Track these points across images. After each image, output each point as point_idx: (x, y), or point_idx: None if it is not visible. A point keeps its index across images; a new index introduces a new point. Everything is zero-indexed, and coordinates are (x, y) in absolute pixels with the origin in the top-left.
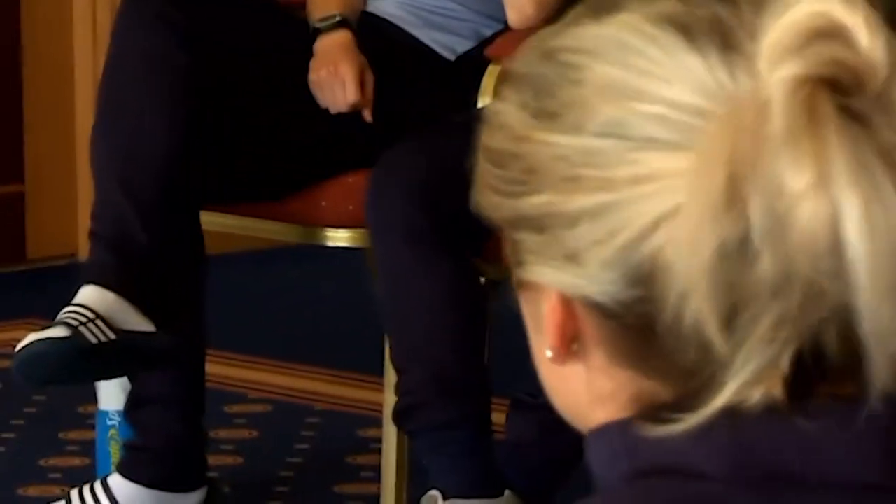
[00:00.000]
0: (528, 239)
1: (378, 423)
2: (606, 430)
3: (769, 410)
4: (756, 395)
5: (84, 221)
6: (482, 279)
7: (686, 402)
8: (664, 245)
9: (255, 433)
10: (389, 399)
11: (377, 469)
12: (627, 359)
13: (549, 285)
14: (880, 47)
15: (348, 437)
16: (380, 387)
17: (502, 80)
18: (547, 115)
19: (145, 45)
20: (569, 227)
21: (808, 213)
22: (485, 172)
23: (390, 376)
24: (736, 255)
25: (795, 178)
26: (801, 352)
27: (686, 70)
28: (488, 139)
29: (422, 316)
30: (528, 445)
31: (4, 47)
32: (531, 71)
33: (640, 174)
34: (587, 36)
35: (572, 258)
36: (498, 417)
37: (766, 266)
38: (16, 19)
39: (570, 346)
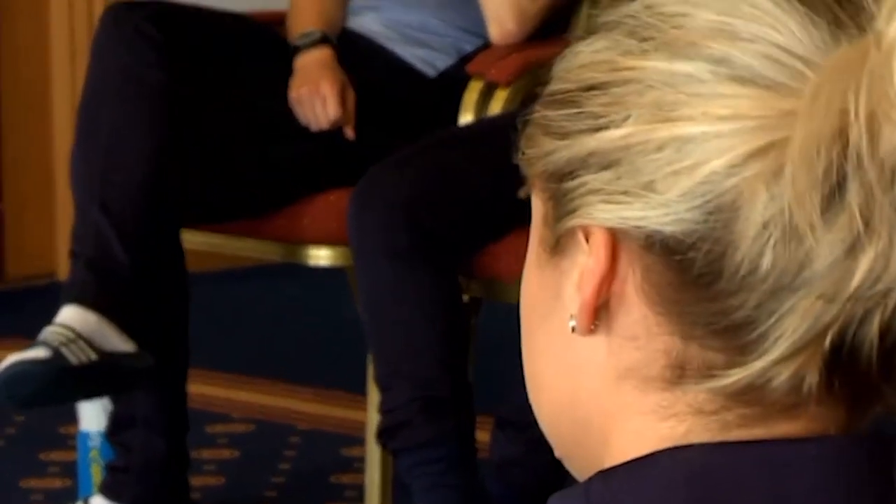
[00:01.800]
0: (591, 179)
1: (361, 442)
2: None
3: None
4: (786, 374)
5: (63, 240)
6: (465, 296)
7: (725, 361)
8: (754, 178)
9: (237, 453)
10: (373, 418)
11: (360, 488)
12: (675, 307)
13: (609, 222)
14: None
15: (331, 456)
16: (363, 406)
17: (488, 91)
18: (646, 47)
19: (123, 63)
20: (651, 156)
21: None
22: (542, 120)
23: (373, 395)
24: (825, 200)
25: None
26: (844, 333)
27: (797, 24)
28: (557, 83)
29: (404, 334)
30: (512, 464)
31: None
32: (623, 18)
33: (742, 109)
34: None
35: (648, 187)
36: (482, 436)
37: (849, 218)
38: None
39: (599, 309)
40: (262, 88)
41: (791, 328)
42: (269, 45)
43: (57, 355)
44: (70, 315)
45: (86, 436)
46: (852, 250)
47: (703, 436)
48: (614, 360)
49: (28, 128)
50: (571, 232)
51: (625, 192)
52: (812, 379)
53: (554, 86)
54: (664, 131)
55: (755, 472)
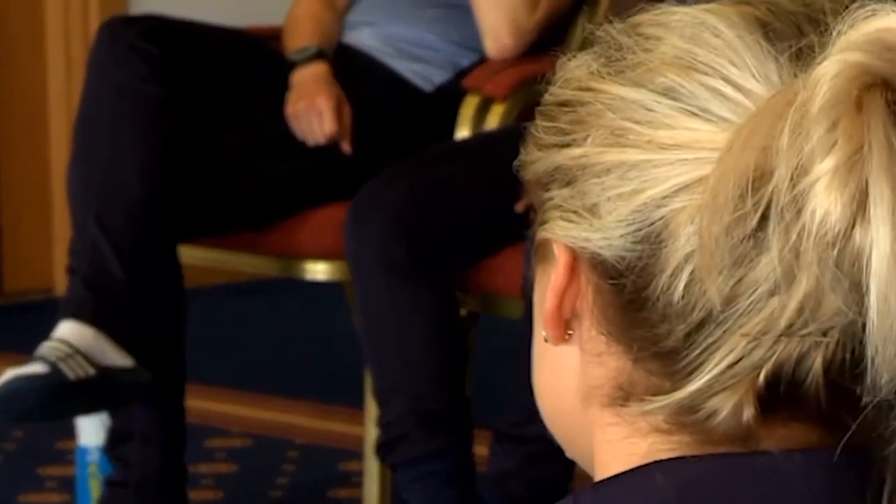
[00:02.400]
0: (556, 194)
1: (359, 457)
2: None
3: (726, 444)
4: (726, 408)
5: (60, 255)
6: (462, 311)
7: (661, 387)
8: (681, 210)
9: (235, 467)
10: (370, 432)
11: (358, 502)
12: (616, 329)
13: (563, 239)
14: None
15: (329, 470)
16: (361, 420)
17: (485, 105)
18: (612, 71)
19: (119, 79)
20: (597, 179)
21: (828, 195)
22: (535, 129)
23: (371, 409)
24: (747, 237)
25: (825, 155)
26: (780, 370)
27: (754, 58)
28: (548, 95)
29: (402, 349)
30: (510, 478)
31: None
32: (608, 37)
33: (681, 140)
34: (670, 14)
35: (592, 210)
36: (481, 449)
37: (771, 257)
38: None
39: (567, 321)
40: (258, 103)
41: (715, 361)
42: (265, 60)
43: (55, 370)
44: (67, 330)
45: (84, 451)
46: (777, 290)
47: (666, 454)
48: (583, 374)
49: (25, 143)
50: (548, 242)
51: (575, 212)
52: (749, 413)
53: (547, 95)
54: (613, 155)
55: (747, 483)
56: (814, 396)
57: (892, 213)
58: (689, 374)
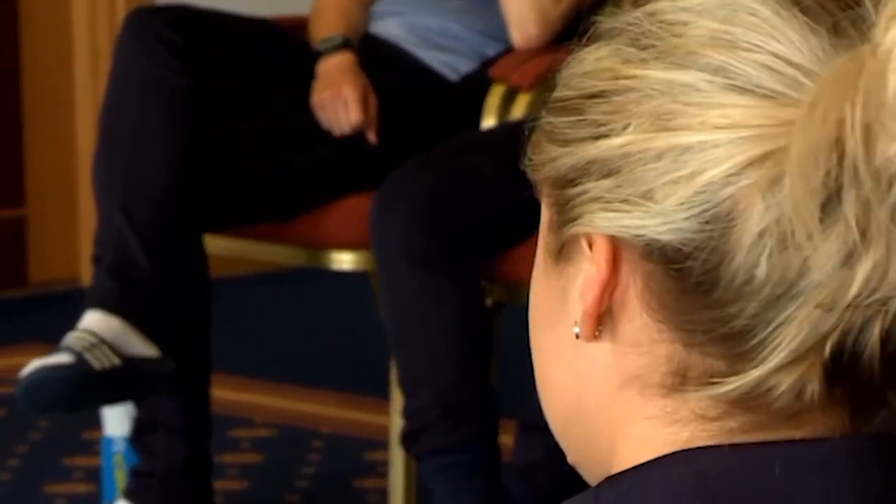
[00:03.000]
0: (592, 187)
1: (384, 447)
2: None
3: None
4: (786, 383)
5: (86, 245)
6: (488, 300)
7: (725, 369)
8: (750, 186)
9: (260, 457)
10: (396, 422)
11: (384, 493)
12: (674, 315)
13: (609, 230)
14: None
15: (354, 460)
16: (386, 410)
17: (511, 95)
18: (647, 57)
19: (145, 69)
20: (649, 165)
21: None
22: (547, 127)
23: (397, 399)
24: (821, 209)
25: None
26: (844, 340)
27: (797, 34)
28: (561, 90)
29: (427, 339)
30: (536, 468)
31: (5, 71)
32: (626, 25)
33: (737, 118)
34: (693, 0)
35: (646, 196)
36: (506, 439)
37: (845, 227)
38: (16, 44)
39: (605, 315)
40: (284, 93)
41: (789, 337)
42: (290, 50)
43: (80, 360)
44: (93, 320)
45: (110, 441)
46: (849, 260)
47: (707, 441)
48: (618, 367)
49: (51, 133)
50: (575, 239)
51: (624, 201)
52: (813, 387)
53: (558, 92)
54: (662, 140)
55: (765, 475)
56: (867, 369)
57: None
58: (760, 352)
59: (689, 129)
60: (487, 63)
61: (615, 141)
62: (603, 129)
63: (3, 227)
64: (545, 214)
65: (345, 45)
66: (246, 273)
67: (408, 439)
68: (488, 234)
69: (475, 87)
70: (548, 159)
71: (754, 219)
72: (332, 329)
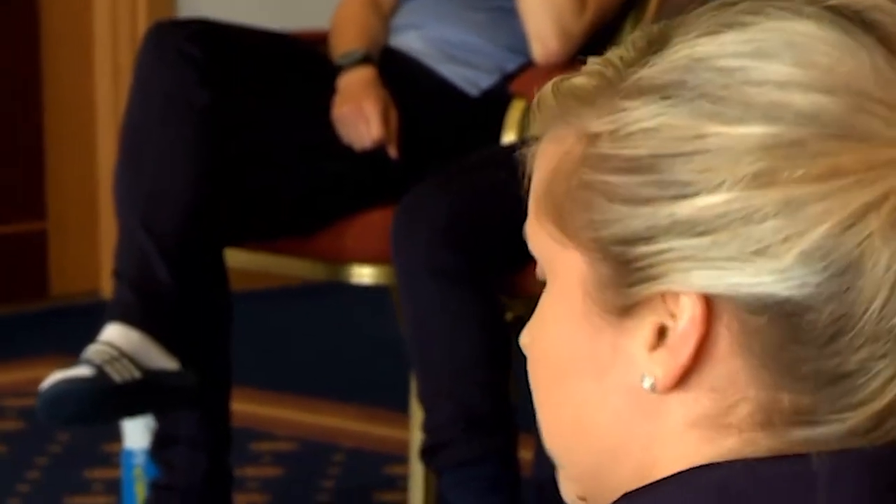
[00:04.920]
0: (679, 246)
1: (404, 461)
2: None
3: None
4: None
5: (107, 258)
6: (508, 315)
7: (824, 406)
8: (872, 233)
9: (281, 471)
10: (415, 436)
11: None
12: (782, 364)
13: (712, 290)
14: None
15: (374, 474)
16: (406, 424)
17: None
18: (723, 112)
19: (166, 84)
20: (756, 223)
21: None
22: (603, 185)
23: (416, 414)
24: None
25: None
26: None
27: (856, 61)
28: (613, 147)
29: (448, 354)
30: (554, 483)
31: (26, 84)
32: (678, 78)
33: (839, 165)
34: (729, 40)
35: (761, 252)
36: (525, 454)
37: None
38: (37, 58)
39: (689, 370)
40: (304, 107)
41: (887, 369)
42: (311, 65)
43: (101, 373)
44: (114, 333)
45: (130, 454)
46: None
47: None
48: (686, 411)
49: (72, 146)
50: (648, 297)
51: (729, 259)
52: None
53: (612, 150)
54: (771, 195)
55: (785, 486)
56: None
57: None
58: (865, 390)
59: (794, 183)
60: (508, 77)
61: (707, 200)
62: (690, 188)
63: (25, 240)
64: (579, 269)
65: (365, 59)
66: (266, 287)
67: (428, 453)
68: (509, 250)
69: (496, 101)
70: (608, 219)
71: (883, 263)
72: (352, 343)
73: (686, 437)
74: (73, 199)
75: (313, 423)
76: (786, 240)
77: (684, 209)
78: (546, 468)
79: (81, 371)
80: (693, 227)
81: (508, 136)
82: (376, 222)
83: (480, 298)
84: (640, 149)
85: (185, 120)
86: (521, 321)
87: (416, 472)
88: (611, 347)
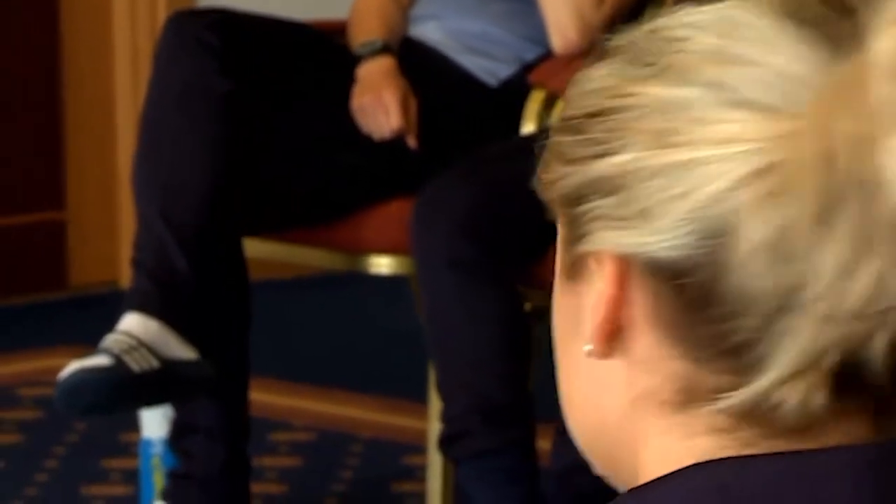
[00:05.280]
0: (596, 205)
1: (422, 451)
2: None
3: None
4: (794, 396)
5: (126, 248)
6: (527, 305)
7: (731, 383)
8: (746, 203)
9: (299, 461)
10: (433, 427)
11: (421, 497)
12: (679, 331)
13: (613, 249)
14: None
15: (392, 464)
16: (424, 414)
17: (550, 102)
18: (647, 74)
19: (185, 73)
20: (648, 183)
21: None
22: (556, 146)
23: (435, 404)
24: (816, 223)
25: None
26: (847, 352)
27: (793, 44)
28: (568, 109)
29: (467, 345)
30: (573, 472)
31: (45, 75)
32: (629, 43)
33: (733, 133)
34: (691, 14)
35: (646, 213)
36: (543, 444)
37: (842, 241)
38: (56, 47)
39: (615, 333)
40: (323, 97)
41: (790, 348)
42: (330, 54)
43: (119, 363)
44: (132, 323)
45: (148, 443)
46: (848, 271)
47: (724, 453)
48: (631, 384)
49: (91, 137)
50: (585, 257)
51: (625, 219)
52: (820, 399)
53: (566, 111)
54: (661, 158)
55: (788, 483)
56: (876, 379)
57: None
58: (761, 365)
59: (688, 146)
60: (527, 68)
61: (617, 159)
62: (604, 147)
63: (44, 230)
64: (560, 232)
65: (384, 49)
66: (285, 277)
67: (446, 443)
68: (527, 241)
69: (515, 92)
70: (556, 178)
71: (751, 233)
72: (370, 333)
73: (640, 412)
74: (92, 189)
75: (331, 414)
76: (668, 200)
77: (599, 168)
78: (564, 458)
79: (100, 360)
80: (605, 187)
81: (528, 127)
82: (394, 213)
83: (499, 290)
84: (577, 109)
85: (204, 109)
86: (540, 311)
87: (435, 463)
88: (574, 314)
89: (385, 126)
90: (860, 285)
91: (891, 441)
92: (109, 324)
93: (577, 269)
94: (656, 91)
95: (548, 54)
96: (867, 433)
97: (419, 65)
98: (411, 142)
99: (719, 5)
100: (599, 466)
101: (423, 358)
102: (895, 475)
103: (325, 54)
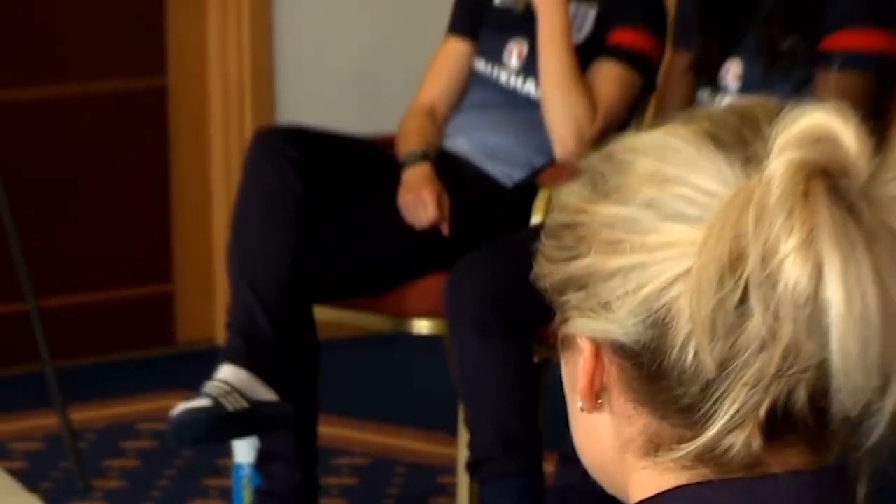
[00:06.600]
0: (572, 297)
1: (454, 472)
2: None
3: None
4: (738, 442)
5: (221, 313)
6: (536, 358)
7: (685, 437)
8: (678, 297)
9: (356, 480)
10: (462, 453)
11: None
12: (642, 396)
13: (585, 333)
14: (865, 152)
15: (430, 483)
16: (455, 444)
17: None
18: (600, 194)
19: (268, 176)
20: (605, 282)
21: (795, 269)
22: (543, 248)
23: (463, 435)
24: (734, 309)
25: (787, 238)
26: (776, 404)
27: (712, 165)
28: (550, 219)
29: (489, 390)
30: (571, 490)
31: (157, 180)
32: (591, 166)
33: (666, 241)
34: (637, 140)
35: (607, 306)
36: (549, 468)
37: (756, 321)
38: (166, 158)
39: (597, 394)
40: (377, 195)
41: (729, 407)
42: (382, 161)
43: (216, 404)
44: (226, 372)
45: (239, 467)
46: (764, 345)
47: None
48: (617, 433)
49: (193, 226)
50: (570, 335)
51: (592, 310)
52: (758, 443)
53: (550, 219)
54: (614, 262)
55: (747, 499)
56: (804, 422)
57: (843, 277)
58: (707, 422)
59: (633, 252)
60: (536, 172)
61: (582, 262)
62: (573, 251)
63: (156, 299)
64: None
65: (424, 157)
66: (346, 336)
67: (472, 467)
68: (536, 309)
69: (526, 191)
70: (544, 273)
71: (682, 322)
72: (413, 380)
73: (625, 454)
74: (193, 267)
75: (381, 443)
76: (621, 297)
77: (572, 268)
78: (564, 479)
79: (201, 402)
80: (576, 283)
81: (536, 218)
82: (432, 285)
83: (514, 347)
84: (555, 220)
85: (282, 205)
86: (546, 363)
87: (463, 483)
88: (572, 377)
89: (424, 218)
90: (776, 356)
91: (824, 467)
92: (208, 373)
93: (569, 343)
94: (607, 210)
95: (553, 161)
96: (804, 464)
97: (451, 170)
98: (444, 230)
99: (657, 131)
100: (606, 488)
101: (454, 399)
102: (829, 495)
103: (378, 162)
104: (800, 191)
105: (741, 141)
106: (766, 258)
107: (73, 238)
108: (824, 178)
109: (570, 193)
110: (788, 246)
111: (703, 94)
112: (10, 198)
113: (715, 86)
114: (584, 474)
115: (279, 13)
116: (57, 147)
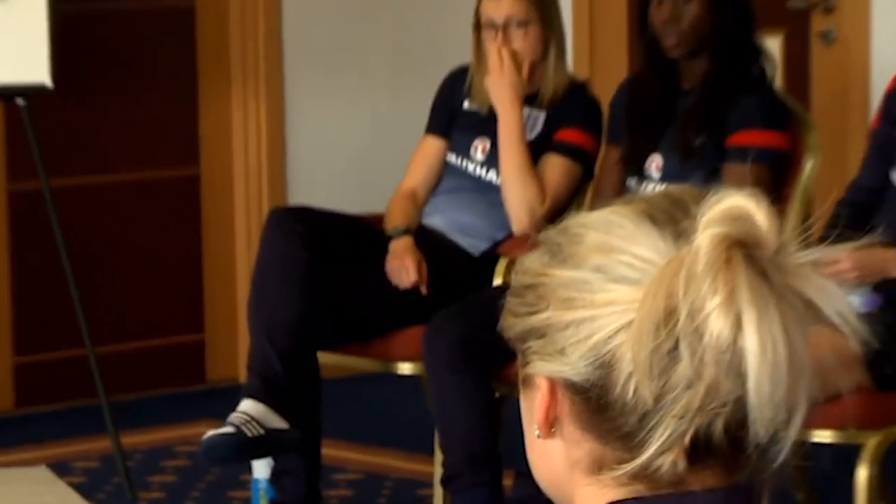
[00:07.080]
0: (533, 344)
1: (431, 486)
2: None
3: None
4: (667, 462)
5: (243, 357)
6: (496, 394)
7: (624, 459)
8: (622, 344)
9: (351, 492)
10: (438, 470)
11: None
12: (589, 425)
13: (543, 373)
14: (774, 228)
15: (411, 495)
16: (431, 462)
17: (511, 266)
18: (557, 261)
19: (280, 247)
20: (561, 332)
21: (718, 322)
22: (509, 304)
23: (438, 456)
24: (667, 354)
25: (712, 297)
26: (698, 433)
27: (649, 239)
28: (514, 281)
29: (460, 420)
30: (527, 501)
31: (191, 252)
32: (549, 238)
33: (612, 299)
34: (587, 217)
35: (562, 352)
36: (507, 482)
37: (685, 364)
38: (199, 234)
39: (552, 424)
40: (368, 262)
41: (660, 435)
42: (373, 235)
43: (239, 431)
44: (247, 405)
45: (257, 481)
46: (691, 384)
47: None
48: (567, 456)
49: (220, 287)
50: (531, 375)
51: (550, 354)
52: (683, 464)
53: (514, 280)
54: (568, 315)
55: None
56: (720, 448)
57: (758, 329)
58: (642, 446)
59: (584, 307)
60: (497, 244)
61: (541, 316)
62: (534, 307)
63: (191, 345)
64: (518, 358)
65: (406, 231)
66: (344, 375)
67: (446, 482)
68: (498, 356)
69: (489, 259)
70: (509, 325)
71: (624, 365)
72: (397, 411)
73: (573, 474)
74: (221, 319)
75: (372, 461)
76: (574, 344)
77: (533, 321)
78: (521, 492)
79: (226, 429)
80: (536, 333)
81: (497, 281)
82: (413, 335)
83: (480, 385)
84: (517, 281)
85: (293, 270)
86: (505, 398)
87: (439, 494)
88: (529, 409)
89: (406, 280)
90: (700, 393)
91: (735, 485)
92: (232, 406)
93: (528, 382)
94: (563, 273)
95: (510, 235)
96: (719, 483)
97: (429, 242)
98: (423, 290)
99: (603, 210)
100: (557, 501)
101: (431, 427)
102: None
103: (370, 235)
104: (722, 259)
105: (672, 219)
106: (693, 314)
107: (125, 296)
108: (742, 248)
109: (532, 260)
110: (713, 303)
111: (632, 182)
112: (73, 265)
113: (641, 175)
114: (538, 488)
115: (290, 124)
116: (114, 225)
